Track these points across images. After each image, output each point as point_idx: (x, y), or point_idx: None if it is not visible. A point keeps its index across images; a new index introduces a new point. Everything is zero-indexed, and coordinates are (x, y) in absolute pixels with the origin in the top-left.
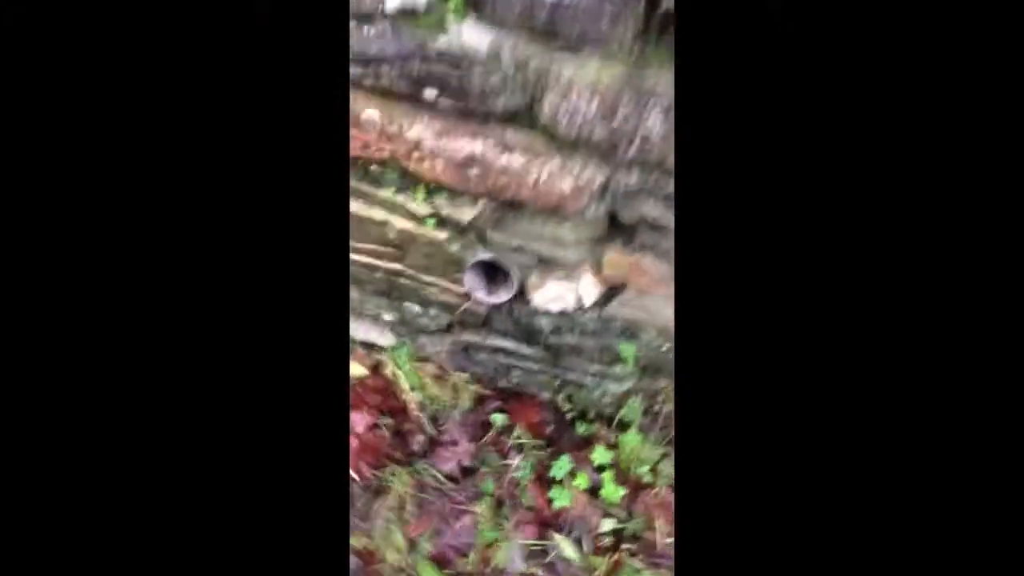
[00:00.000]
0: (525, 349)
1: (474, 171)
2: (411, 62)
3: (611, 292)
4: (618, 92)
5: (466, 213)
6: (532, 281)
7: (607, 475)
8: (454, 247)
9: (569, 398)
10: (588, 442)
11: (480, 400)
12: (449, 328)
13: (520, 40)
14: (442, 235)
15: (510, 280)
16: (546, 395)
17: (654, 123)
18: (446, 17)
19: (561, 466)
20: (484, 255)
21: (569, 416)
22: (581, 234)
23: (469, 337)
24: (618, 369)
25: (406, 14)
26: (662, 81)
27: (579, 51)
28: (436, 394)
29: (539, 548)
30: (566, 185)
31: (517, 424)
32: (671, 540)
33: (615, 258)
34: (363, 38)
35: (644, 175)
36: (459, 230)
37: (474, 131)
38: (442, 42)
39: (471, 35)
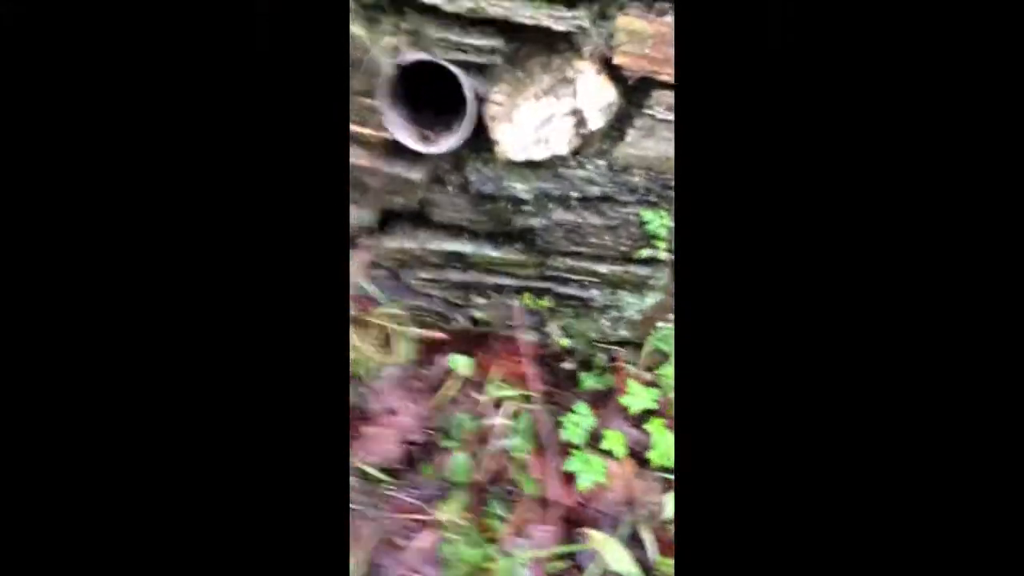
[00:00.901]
0: (490, 250)
1: None
2: None
3: (627, 106)
4: None
5: None
6: (495, 102)
7: (656, 425)
8: (356, 29)
9: (566, 331)
10: (607, 395)
11: (428, 349)
12: (368, 234)
13: None
14: None
15: (462, 106)
16: (530, 336)
17: None
18: None
19: (578, 421)
20: (412, 55)
21: (569, 366)
22: None
23: (397, 243)
24: (641, 264)
25: None
26: None
27: None
28: (353, 345)
29: (567, 562)
30: None
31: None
32: None
33: (636, 24)
34: None
35: None
36: None
37: None
38: None
39: None
